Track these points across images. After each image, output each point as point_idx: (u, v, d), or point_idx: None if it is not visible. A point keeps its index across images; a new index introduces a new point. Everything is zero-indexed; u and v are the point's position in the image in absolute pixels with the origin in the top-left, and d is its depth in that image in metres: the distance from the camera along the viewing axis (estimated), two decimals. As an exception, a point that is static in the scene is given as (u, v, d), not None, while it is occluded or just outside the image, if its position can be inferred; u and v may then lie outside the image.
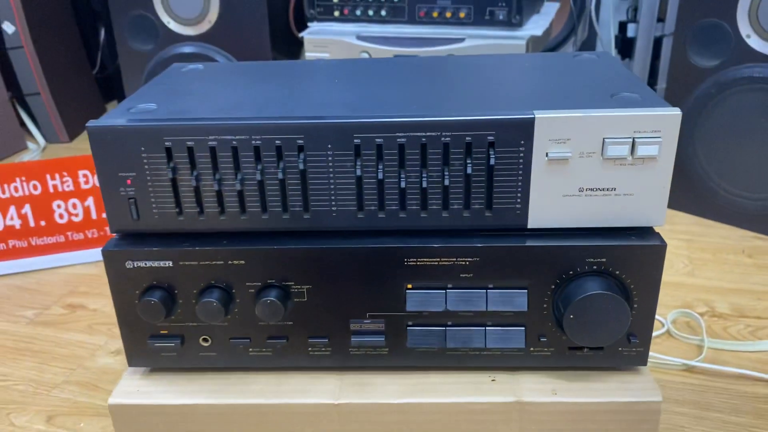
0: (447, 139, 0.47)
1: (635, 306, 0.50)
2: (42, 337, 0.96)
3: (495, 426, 0.52)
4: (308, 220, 0.50)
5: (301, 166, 0.48)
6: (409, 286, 0.51)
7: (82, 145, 1.73)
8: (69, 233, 1.13)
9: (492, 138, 0.46)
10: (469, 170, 0.47)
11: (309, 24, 1.29)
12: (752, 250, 1.11)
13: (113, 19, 1.44)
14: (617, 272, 0.49)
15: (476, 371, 0.54)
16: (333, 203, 0.49)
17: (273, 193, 0.49)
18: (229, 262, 0.50)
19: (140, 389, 0.53)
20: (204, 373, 0.55)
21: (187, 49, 1.41)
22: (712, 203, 1.19)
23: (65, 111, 1.74)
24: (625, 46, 1.54)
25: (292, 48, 1.49)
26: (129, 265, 0.50)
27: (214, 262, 0.50)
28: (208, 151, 0.48)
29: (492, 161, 0.47)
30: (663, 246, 0.48)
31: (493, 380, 0.53)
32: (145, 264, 0.50)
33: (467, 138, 0.46)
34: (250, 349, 0.53)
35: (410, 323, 0.52)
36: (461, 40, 1.15)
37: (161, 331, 0.53)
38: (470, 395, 0.52)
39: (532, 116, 0.45)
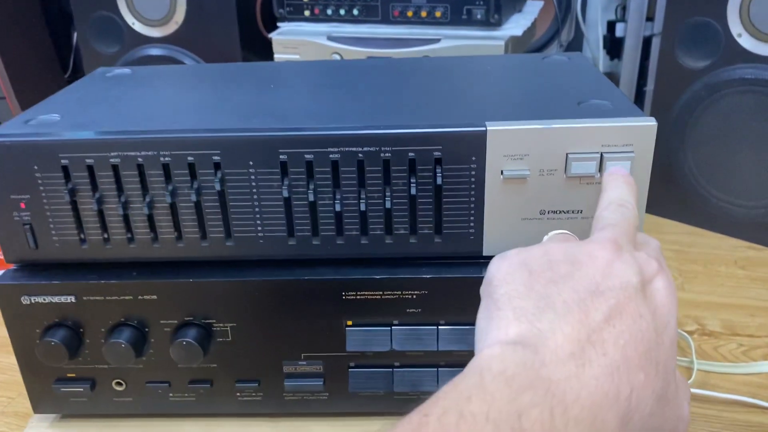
0: (387, 155, 0.40)
1: (607, 344, 0.43)
2: (-17, 361, 0.89)
3: (449, 481, 0.45)
4: (231, 248, 0.43)
5: (218, 187, 0.41)
6: (349, 322, 0.44)
7: (50, 152, 1.66)
8: (21, 247, 1.06)
9: (438, 154, 0.40)
10: (413, 191, 0.41)
11: (279, 24, 1.23)
12: (745, 261, 1.05)
13: (76, 20, 1.37)
14: (586, 306, 0.42)
15: (429, 417, 0.47)
16: (259, 229, 0.43)
17: (188, 217, 0.42)
18: (140, 297, 0.43)
19: (46, 440, 0.47)
20: (120, 421, 0.48)
21: (154, 51, 1.34)
22: (703, 211, 1.13)
23: (33, 116, 1.67)
24: (614, 47, 1.49)
25: (265, 49, 1.43)
26: (25, 300, 0.44)
27: (123, 297, 0.44)
28: (110, 169, 0.41)
29: (439, 180, 0.40)
30: (638, 276, 0.42)
31: (448, 427, 0.46)
32: (44, 299, 0.44)
33: (410, 154, 0.40)
34: (171, 394, 0.47)
35: (352, 365, 0.45)
36: (437, 40, 1.09)
37: (68, 375, 0.46)
38: (421, 446, 0.45)
39: (484, 129, 0.39)
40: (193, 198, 0.41)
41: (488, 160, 0.40)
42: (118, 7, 1.33)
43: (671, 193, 1.13)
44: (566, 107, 0.42)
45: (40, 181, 0.41)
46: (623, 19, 1.50)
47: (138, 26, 1.33)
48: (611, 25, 1.51)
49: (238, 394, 0.46)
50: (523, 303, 0.28)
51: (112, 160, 0.41)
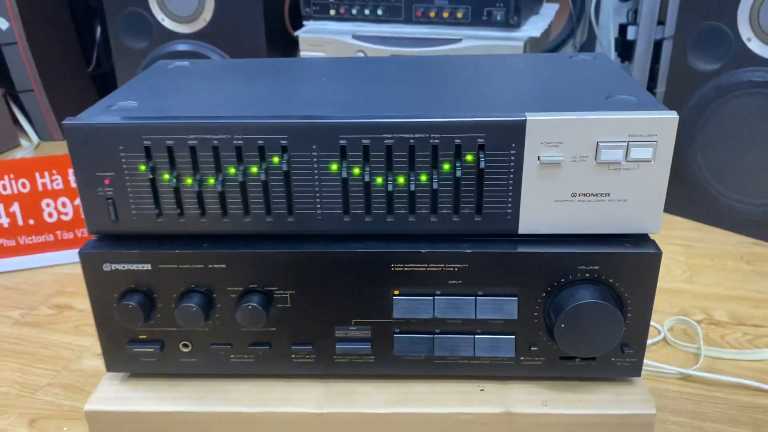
0: (436, 141, 0.45)
1: (629, 315, 0.48)
2: (27, 338, 0.94)
3: (483, 437, 0.50)
4: (292, 224, 0.48)
5: (285, 167, 0.46)
6: (396, 292, 0.49)
7: (75, 143, 1.71)
8: (58, 232, 1.11)
9: (482, 140, 0.45)
10: (458, 173, 0.46)
11: (304, 23, 1.28)
12: (751, 256, 1.10)
13: (107, 16, 1.42)
14: (611, 280, 0.47)
15: (464, 380, 0.52)
16: (318, 206, 0.47)
17: (255, 194, 0.47)
18: (210, 266, 0.48)
19: (119, 395, 0.52)
20: (185, 380, 0.53)
21: (182, 47, 1.39)
22: (711, 208, 1.17)
23: (59, 108, 1.72)
24: (625, 49, 1.53)
25: (288, 47, 1.48)
26: (107, 267, 0.49)
27: (194, 266, 0.48)
28: (188, 150, 0.46)
29: (482, 164, 0.45)
30: (658, 254, 0.47)
31: (481, 390, 0.51)
32: (123, 267, 0.49)
33: (456, 140, 0.45)
34: (232, 356, 0.51)
35: (397, 330, 0.50)
36: (458, 40, 1.13)
37: (140, 336, 0.51)
38: (458, 405, 0.50)
39: (524, 118, 0.44)
40: (262, 177, 0.46)
41: (527, 147, 0.45)
42: (149, 3, 1.38)
43: (681, 191, 1.17)
44: (596, 101, 0.47)
45: (123, 160, 0.46)
46: (635, 23, 1.54)
47: (167, 22, 1.39)
48: (623, 28, 1.55)
49: (294, 356, 0.51)
50: None
51: (190, 142, 0.46)
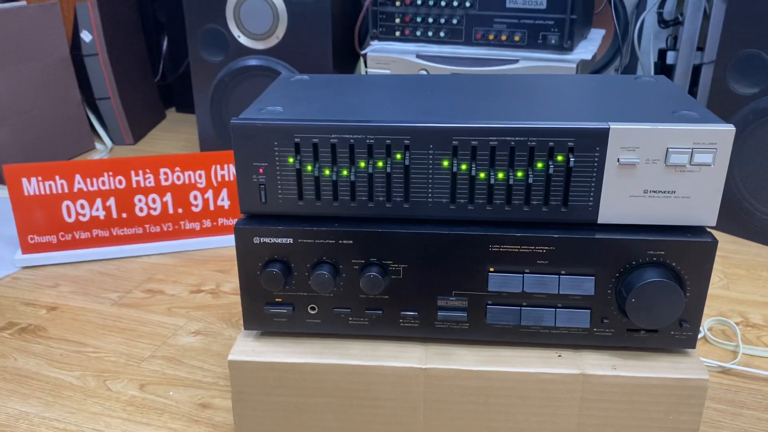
0: (533, 143, 0.55)
1: (688, 294, 0.58)
2: (126, 316, 1.05)
3: (560, 394, 0.59)
4: (407, 209, 0.58)
5: (406, 162, 0.57)
6: (492, 269, 0.59)
7: (145, 147, 1.85)
8: (147, 226, 1.23)
9: (572, 144, 0.55)
10: (550, 171, 0.56)
11: (371, 42, 1.39)
12: (785, 268, 1.17)
13: (188, 31, 1.55)
14: (674, 264, 0.57)
15: (545, 347, 0.62)
16: (430, 195, 0.58)
17: (380, 184, 0.58)
18: (339, 242, 0.59)
19: (254, 349, 0.62)
20: (307, 338, 0.63)
21: (253, 61, 1.52)
22: (747, 223, 1.25)
23: (131, 115, 1.86)
24: (664, 73, 1.62)
25: (348, 64, 1.60)
26: (256, 240, 0.59)
27: (326, 241, 0.59)
28: (329, 147, 0.57)
29: (571, 164, 0.55)
30: (714, 242, 0.56)
31: (559, 356, 0.61)
32: (270, 240, 0.59)
33: (550, 143, 0.55)
34: (350, 319, 0.62)
35: (490, 302, 0.60)
36: (515, 61, 1.24)
37: (276, 299, 0.62)
38: (540, 366, 0.60)
39: (608, 127, 0.54)
40: (387, 170, 0.57)
41: (608, 150, 0.54)
42: (227, 21, 1.51)
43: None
44: (664, 114, 0.57)
45: (276, 154, 0.57)
46: (674, 48, 1.64)
47: (243, 39, 1.52)
48: (662, 53, 1.64)
49: (401, 321, 0.61)
50: None
51: (332, 140, 0.56)
